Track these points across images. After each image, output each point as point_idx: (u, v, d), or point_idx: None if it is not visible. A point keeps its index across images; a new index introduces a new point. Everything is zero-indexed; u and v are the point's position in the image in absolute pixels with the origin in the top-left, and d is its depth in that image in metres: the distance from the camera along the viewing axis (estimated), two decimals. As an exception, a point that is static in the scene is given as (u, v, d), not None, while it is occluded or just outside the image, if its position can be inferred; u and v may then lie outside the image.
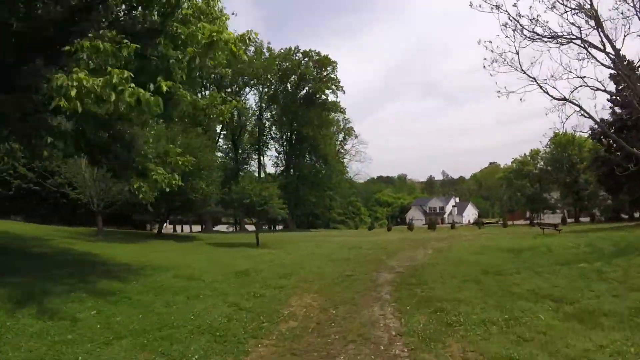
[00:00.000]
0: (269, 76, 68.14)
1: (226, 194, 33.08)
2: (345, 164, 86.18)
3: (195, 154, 34.46)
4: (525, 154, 68.98)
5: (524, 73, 19.34)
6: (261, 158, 76.07)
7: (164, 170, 12.83)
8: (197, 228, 71.87)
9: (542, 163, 67.67)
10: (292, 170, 71.72)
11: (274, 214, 30.84)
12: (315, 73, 67.50)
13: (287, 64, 68.26)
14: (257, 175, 73.52)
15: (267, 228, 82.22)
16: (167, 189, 12.45)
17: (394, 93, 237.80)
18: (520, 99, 19.20)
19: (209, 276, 14.32)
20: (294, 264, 18.40)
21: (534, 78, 19.20)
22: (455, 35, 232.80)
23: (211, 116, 13.76)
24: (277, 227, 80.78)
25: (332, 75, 68.26)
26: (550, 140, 63.95)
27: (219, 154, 71.87)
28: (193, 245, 30.09)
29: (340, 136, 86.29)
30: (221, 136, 71.06)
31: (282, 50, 69.09)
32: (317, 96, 66.81)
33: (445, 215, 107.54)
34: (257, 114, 72.51)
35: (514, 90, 19.22)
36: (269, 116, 72.90)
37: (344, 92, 68.71)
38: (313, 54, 68.36)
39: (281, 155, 74.11)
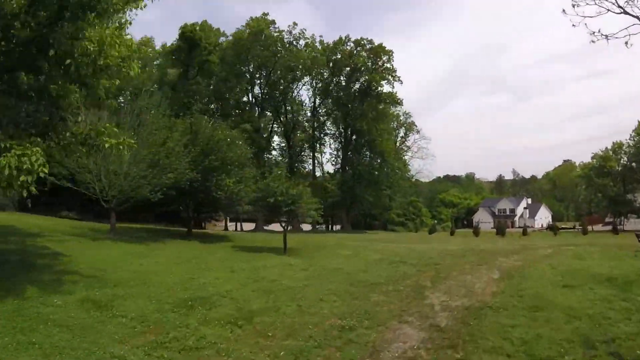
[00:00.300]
0: (320, 70, 61.99)
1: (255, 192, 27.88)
2: (406, 161, 78.74)
3: (220, 147, 29.85)
4: (606, 148, 58.13)
5: (623, 11, 12.50)
6: (316, 155, 70.39)
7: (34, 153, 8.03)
8: (251, 226, 67.66)
9: (625, 159, 56.68)
10: (348, 168, 64.85)
11: (302, 216, 25.19)
12: (370, 64, 60.51)
13: (338, 55, 61.35)
14: (312, 173, 67.96)
15: (323, 229, 76.68)
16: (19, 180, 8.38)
17: (459, 89, 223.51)
18: (626, 43, 12.18)
19: (136, 304, 10.67)
20: (287, 291, 13.01)
21: (637, 17, 12.42)
22: (520, 25, 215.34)
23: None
24: (333, 228, 74.95)
25: (388, 65, 60.77)
26: (635, 131, 53.64)
27: (274, 152, 67.19)
28: (208, 249, 25.37)
29: (401, 132, 78.77)
30: (274, 133, 66.05)
31: (333, 41, 62.83)
32: (373, 88, 59.71)
33: (516, 218, 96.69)
34: (310, 109, 66.82)
35: (613, 34, 12.47)
36: (324, 111, 66.53)
37: (402, 83, 60.88)
38: (365, 42, 61.14)
39: (339, 152, 67.93)
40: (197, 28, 56.09)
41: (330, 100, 63.62)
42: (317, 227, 76.95)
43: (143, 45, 66.55)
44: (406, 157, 79.45)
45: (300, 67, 58.88)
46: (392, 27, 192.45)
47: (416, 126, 79.08)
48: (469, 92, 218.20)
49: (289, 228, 59.17)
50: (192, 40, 52.72)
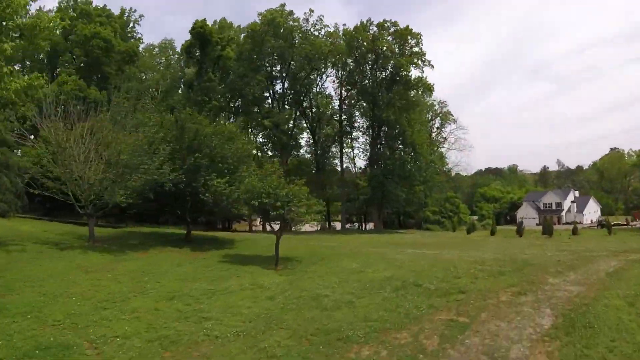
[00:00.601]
0: (343, 58, 55.08)
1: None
2: (443, 153, 71.05)
3: (208, 142, 25.11)
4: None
5: None
6: (347, 150, 64.25)
7: None
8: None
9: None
10: (381, 163, 58.01)
11: (294, 221, 19.92)
12: (397, 50, 52.96)
13: (360, 39, 53.45)
14: (340, 169, 61.69)
15: (355, 227, 70.45)
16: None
17: (499, 79, 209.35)
18: None
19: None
20: (194, 346, 8.19)
21: None
22: (562, 9, 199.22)
23: None
24: (366, 227, 68.52)
25: (416, 49, 53.00)
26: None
27: (303, 149, 61.70)
28: (188, 260, 20.91)
29: (437, 122, 71.07)
30: (298, 129, 60.52)
31: (354, 26, 55.10)
32: (401, 74, 52.17)
33: (563, 213, 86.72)
34: (336, 102, 60.47)
35: None
36: (350, 103, 59.15)
37: (432, 67, 53.50)
38: (389, 24, 53.33)
39: (367, 146, 61.66)
40: (217, 25, 52.14)
41: (354, 91, 57.10)
42: (350, 226, 70.90)
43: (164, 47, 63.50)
44: (443, 150, 72.12)
45: (317, 56, 52.86)
46: (428, 18, 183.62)
47: (452, 115, 71.48)
48: (510, 82, 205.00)
49: (318, 227, 54.07)
50: (203, 35, 48.75)
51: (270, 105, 55.49)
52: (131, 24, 60.82)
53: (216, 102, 47.78)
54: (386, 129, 55.46)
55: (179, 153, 25.03)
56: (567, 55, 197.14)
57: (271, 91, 55.86)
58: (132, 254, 21.41)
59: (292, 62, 53.68)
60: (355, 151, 65.32)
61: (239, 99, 52.98)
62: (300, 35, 53.02)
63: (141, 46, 61.77)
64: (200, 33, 48.39)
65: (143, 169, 22.12)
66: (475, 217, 75.83)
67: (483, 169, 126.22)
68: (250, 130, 55.82)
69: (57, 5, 56.39)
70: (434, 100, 67.93)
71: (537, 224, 73.94)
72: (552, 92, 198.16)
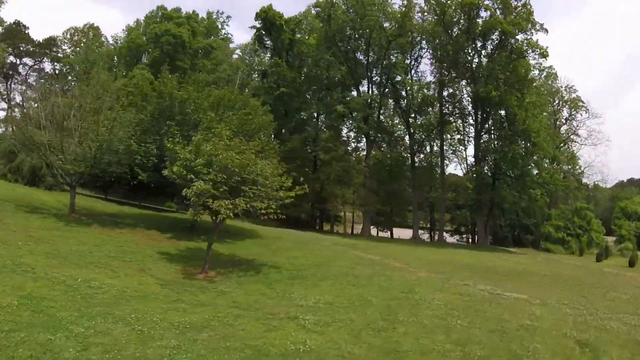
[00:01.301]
0: (429, 28, 42.95)
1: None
2: (574, 152, 53.78)
3: (183, 108, 21.54)
4: None
5: None
6: (457, 147, 51.56)
7: None
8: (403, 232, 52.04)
9: None
10: (488, 158, 43.96)
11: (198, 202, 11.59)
12: (495, 9, 38.83)
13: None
14: (441, 168, 48.64)
15: (463, 241, 56.55)
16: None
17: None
18: None
19: None
20: None
21: None
22: None
23: None
24: (476, 241, 53.42)
25: (523, 11, 38.14)
26: None
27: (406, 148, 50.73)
28: (124, 244, 17.26)
29: (564, 111, 53.65)
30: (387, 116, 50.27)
31: None
32: (504, 39, 38.29)
33: None
34: (433, 86, 47.92)
35: None
36: (447, 85, 45.57)
37: (547, 32, 38.67)
38: None
39: (466, 136, 49.22)
40: (301, 15, 49.17)
41: (445, 65, 43.63)
42: (457, 239, 57.54)
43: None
44: (574, 149, 54.64)
45: (396, 25, 42.42)
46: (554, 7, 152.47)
47: (582, 102, 53.12)
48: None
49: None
50: (267, 20, 45.10)
51: (351, 90, 47.00)
52: (219, 25, 66.50)
53: (285, 88, 42.27)
54: (490, 113, 41.80)
55: (162, 124, 21.66)
56: None
57: (351, 74, 46.22)
58: (94, 228, 18.83)
59: (371, 42, 44.21)
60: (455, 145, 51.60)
61: (318, 85, 46.15)
62: (375, 6, 43.69)
63: (234, 45, 66.57)
64: (264, 18, 44.90)
65: (92, 136, 20.56)
66: (613, 239, 56.57)
67: (625, 180, 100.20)
68: (316, 118, 48.51)
69: (146, 14, 64.92)
70: (560, 86, 51.89)
71: (686, 253, 52.62)
72: None
